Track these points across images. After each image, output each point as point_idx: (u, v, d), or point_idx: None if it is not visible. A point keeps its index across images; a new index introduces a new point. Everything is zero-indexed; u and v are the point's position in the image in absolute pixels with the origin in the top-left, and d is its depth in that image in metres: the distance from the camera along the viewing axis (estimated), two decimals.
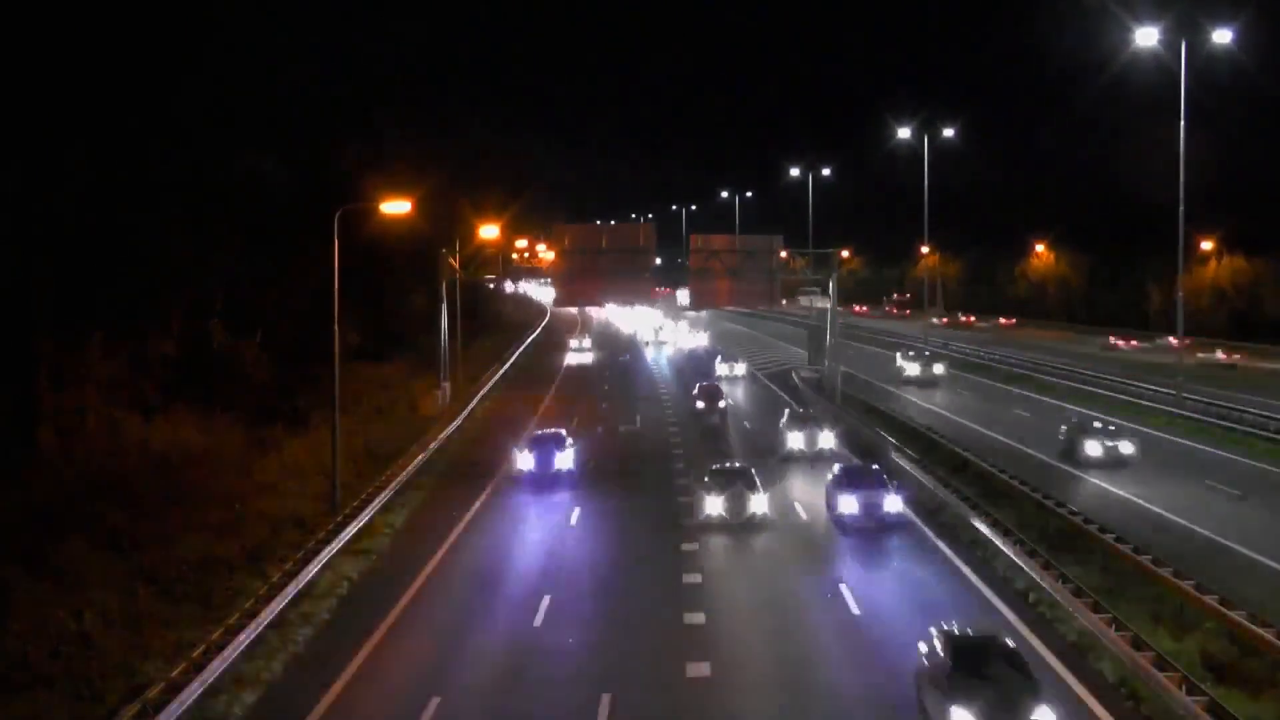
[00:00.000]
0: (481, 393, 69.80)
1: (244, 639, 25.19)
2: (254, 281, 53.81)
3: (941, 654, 21.48)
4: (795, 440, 48.70)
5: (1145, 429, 54.64)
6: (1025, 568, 29.68)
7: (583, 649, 25.80)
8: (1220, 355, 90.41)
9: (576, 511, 39.54)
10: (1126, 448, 46.77)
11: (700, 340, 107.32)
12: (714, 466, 39.20)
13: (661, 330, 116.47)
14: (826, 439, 48.85)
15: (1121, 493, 41.26)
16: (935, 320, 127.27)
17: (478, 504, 41.00)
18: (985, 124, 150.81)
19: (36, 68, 40.52)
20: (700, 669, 24.33)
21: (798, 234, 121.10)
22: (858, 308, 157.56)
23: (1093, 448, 46.76)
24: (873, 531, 35.43)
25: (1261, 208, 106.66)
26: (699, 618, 27.68)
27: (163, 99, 46.41)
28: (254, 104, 56.69)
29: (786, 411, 53.15)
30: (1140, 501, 39.77)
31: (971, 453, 46.37)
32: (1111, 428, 49.03)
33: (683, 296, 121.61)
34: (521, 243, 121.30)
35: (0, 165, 39.35)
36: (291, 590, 28.70)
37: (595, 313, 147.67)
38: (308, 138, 66.19)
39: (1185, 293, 69.42)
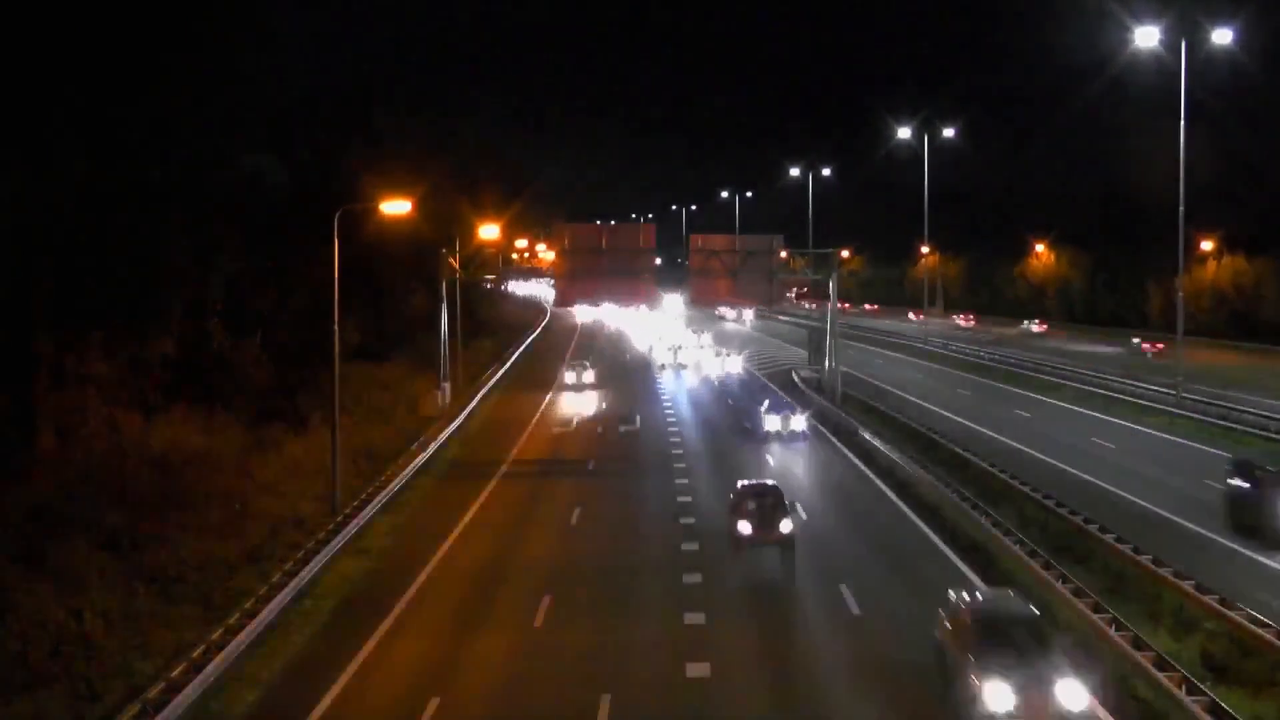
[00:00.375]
0: (482, 393, 69.81)
1: (244, 639, 25.20)
2: (254, 281, 53.74)
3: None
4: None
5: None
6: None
7: (583, 649, 25.80)
8: (1034, 327, 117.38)
9: (577, 511, 39.54)
10: None
11: (732, 365, 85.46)
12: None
13: (681, 350, 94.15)
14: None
15: None
16: (960, 320, 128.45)
17: (477, 504, 40.99)
18: (985, 124, 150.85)
19: (36, 68, 40.48)
20: (700, 669, 24.32)
21: (798, 234, 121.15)
22: (869, 306, 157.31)
23: None
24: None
25: (1261, 208, 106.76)
26: (699, 618, 27.67)
27: (163, 99, 46.33)
28: (254, 104, 56.64)
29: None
30: None
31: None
32: None
33: (673, 300, 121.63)
34: (521, 243, 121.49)
35: (1, 166, 39.29)
36: (291, 590, 28.72)
37: (591, 315, 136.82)
38: (308, 138, 66.19)
39: (1185, 293, 69.40)
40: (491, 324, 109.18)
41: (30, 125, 40.34)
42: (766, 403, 57.89)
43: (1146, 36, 60.55)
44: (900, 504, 40.08)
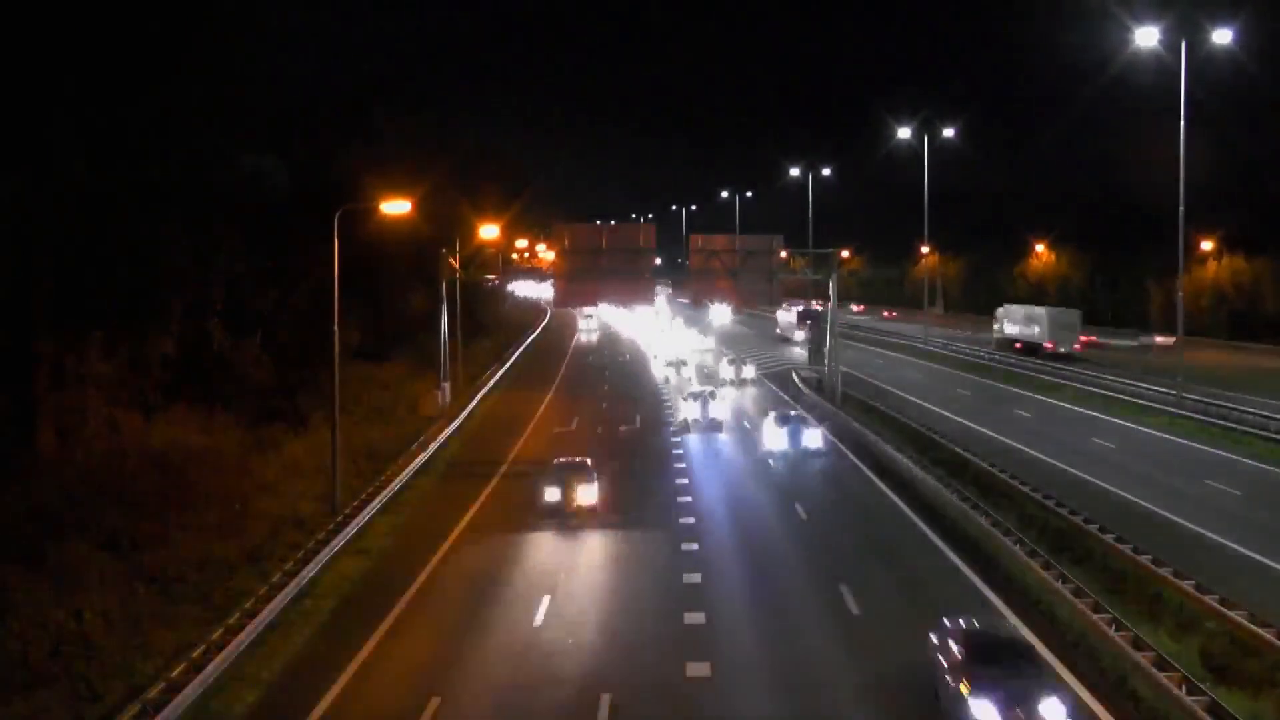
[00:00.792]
0: (482, 393, 69.82)
1: (244, 639, 25.21)
2: (254, 281, 53.74)
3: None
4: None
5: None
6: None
7: (583, 649, 25.80)
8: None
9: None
10: None
11: (745, 370, 79.46)
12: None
13: (684, 366, 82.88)
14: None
15: None
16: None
17: (477, 504, 40.98)
18: (985, 124, 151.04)
19: (37, 68, 40.49)
20: (700, 669, 24.33)
21: (798, 234, 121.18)
22: (887, 313, 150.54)
23: None
24: None
25: (1261, 208, 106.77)
26: (699, 617, 27.67)
27: (163, 99, 46.34)
28: (254, 104, 56.64)
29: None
30: None
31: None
32: None
33: (662, 301, 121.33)
34: (521, 243, 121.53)
35: (1, 166, 39.30)
36: (292, 590, 28.73)
37: (591, 330, 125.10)
38: (308, 138, 66.19)
39: (1185, 293, 69.44)
40: (491, 324, 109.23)
41: (31, 125, 40.35)
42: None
43: (1146, 36, 60.60)
44: (901, 504, 40.06)
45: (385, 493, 40.31)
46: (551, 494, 37.54)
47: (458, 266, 69.47)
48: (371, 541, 35.44)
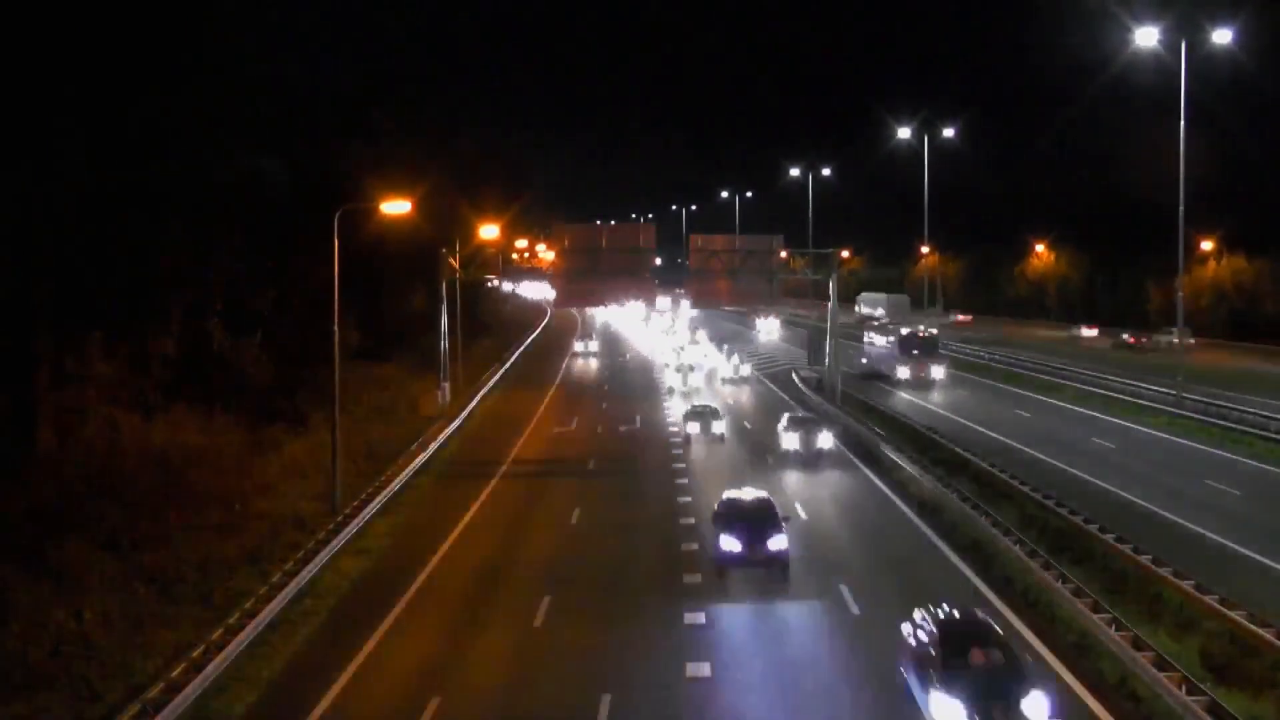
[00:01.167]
0: (482, 393, 69.82)
1: (244, 639, 25.21)
2: (254, 281, 53.76)
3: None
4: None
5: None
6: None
7: (583, 649, 25.79)
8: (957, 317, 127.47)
9: (577, 511, 39.53)
10: None
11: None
12: None
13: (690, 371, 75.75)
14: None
15: None
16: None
17: (477, 504, 40.99)
18: (985, 123, 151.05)
19: (37, 68, 40.49)
20: (700, 669, 24.32)
21: (798, 234, 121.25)
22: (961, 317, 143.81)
23: None
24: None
25: (1261, 208, 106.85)
26: (699, 618, 27.67)
27: (163, 99, 46.35)
28: (254, 104, 56.64)
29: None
30: None
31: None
32: None
33: (662, 302, 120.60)
34: (521, 243, 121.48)
35: (1, 165, 39.30)
36: (292, 590, 28.72)
37: (589, 350, 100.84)
38: (308, 138, 66.18)
39: (1185, 293, 69.46)
40: (492, 324, 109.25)
41: (31, 125, 40.35)
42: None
43: (1146, 36, 60.63)
44: (901, 505, 40.06)
45: (385, 493, 40.32)
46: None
47: (458, 266, 69.47)
48: (372, 541, 35.43)
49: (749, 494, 32.79)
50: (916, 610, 23.06)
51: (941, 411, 63.00)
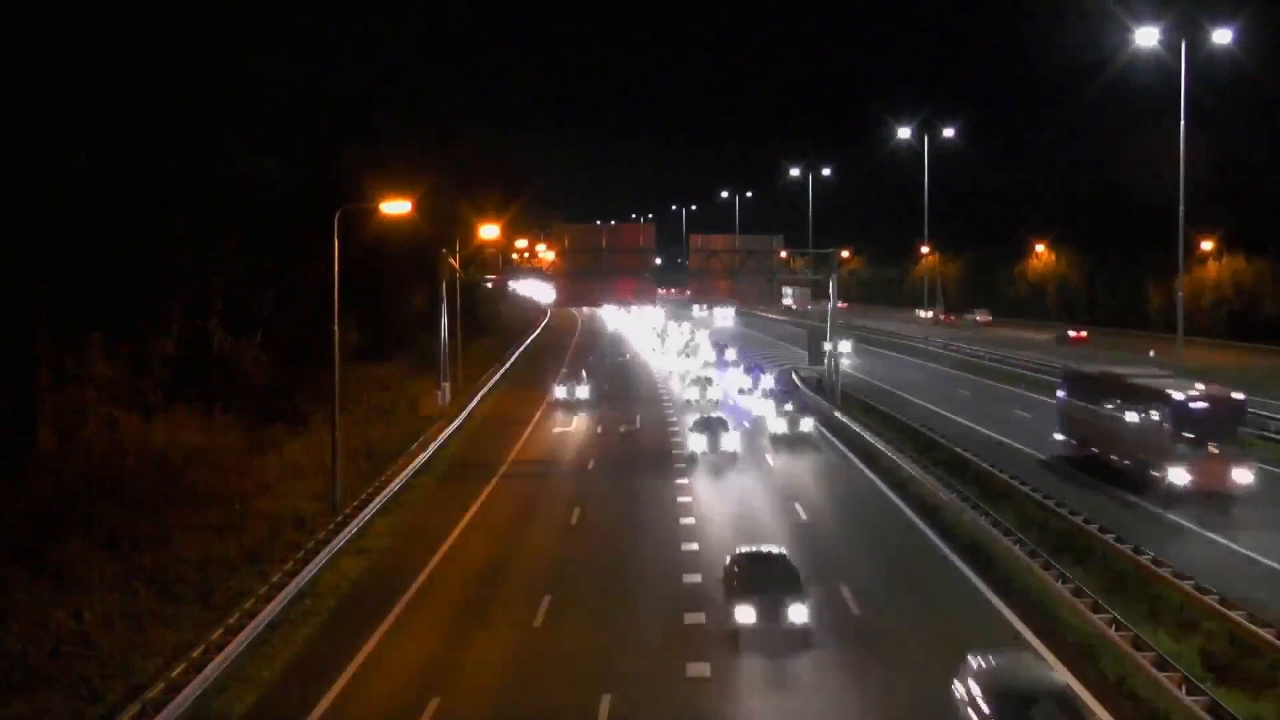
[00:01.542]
0: (482, 393, 69.81)
1: (244, 639, 25.21)
2: (254, 281, 53.81)
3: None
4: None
5: None
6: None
7: (583, 649, 25.79)
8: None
9: (576, 511, 39.53)
10: None
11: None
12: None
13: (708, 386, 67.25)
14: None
15: None
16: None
17: (477, 504, 40.99)
18: (985, 124, 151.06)
19: (37, 68, 40.52)
20: (700, 669, 24.32)
21: (798, 234, 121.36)
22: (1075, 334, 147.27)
23: None
24: None
25: (1261, 208, 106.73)
26: (699, 618, 27.67)
27: (163, 99, 46.40)
28: (254, 104, 56.70)
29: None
30: None
31: None
32: None
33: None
34: (521, 243, 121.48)
35: (1, 165, 39.33)
36: (292, 590, 28.72)
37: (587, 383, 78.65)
38: (308, 138, 66.22)
39: (1185, 293, 69.45)
40: (491, 324, 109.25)
41: (31, 126, 40.40)
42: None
43: (1146, 36, 60.66)
44: (900, 503, 40.06)
45: (385, 493, 40.31)
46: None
47: (458, 266, 69.48)
48: (371, 541, 35.43)
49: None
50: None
51: (949, 414, 63.02)
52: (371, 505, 38.32)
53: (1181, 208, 60.99)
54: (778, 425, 53.23)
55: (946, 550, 33.67)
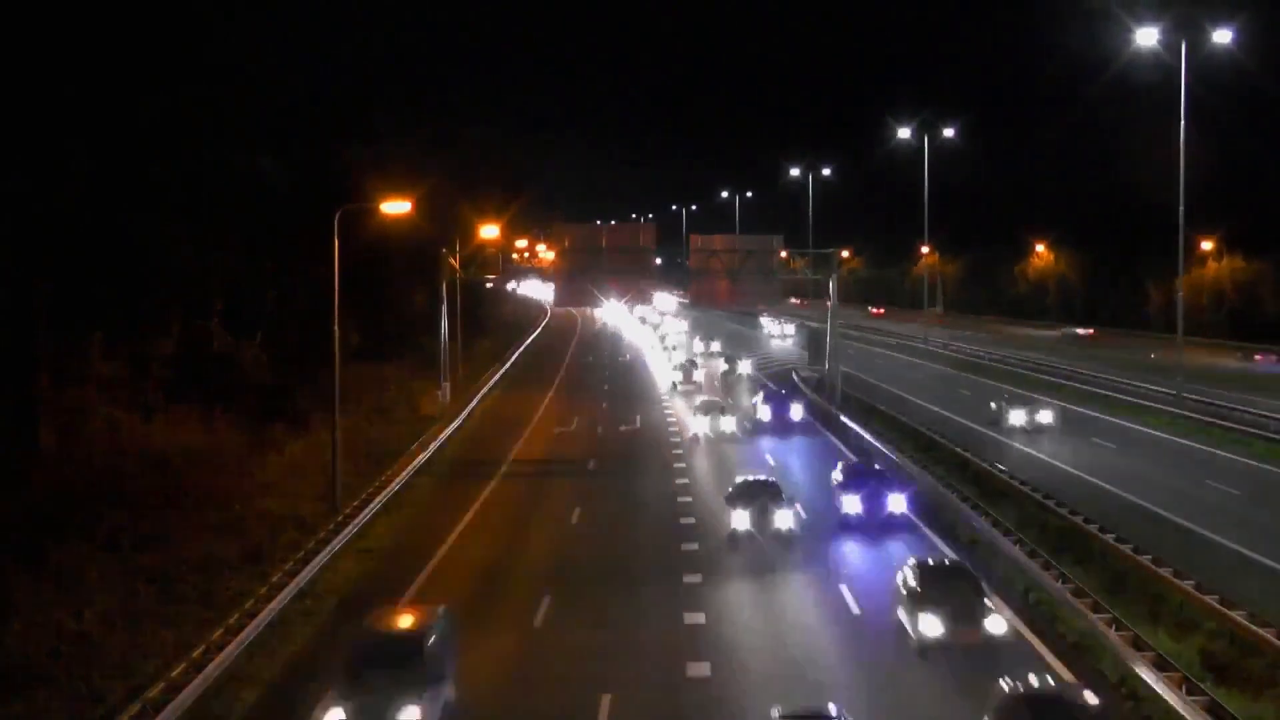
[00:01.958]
0: (482, 393, 69.81)
1: (244, 639, 25.20)
2: (254, 281, 53.83)
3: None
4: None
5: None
6: None
7: (583, 649, 25.80)
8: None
9: (577, 511, 39.55)
10: None
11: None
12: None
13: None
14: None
15: None
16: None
17: (478, 504, 41.00)
18: (985, 123, 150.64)
19: (38, 68, 40.54)
20: (700, 669, 24.33)
21: (798, 234, 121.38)
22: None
23: None
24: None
25: (1261, 208, 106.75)
26: (699, 618, 27.68)
27: (163, 99, 46.43)
28: (254, 104, 56.72)
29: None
30: None
31: None
32: None
33: (660, 301, 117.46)
34: (521, 243, 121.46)
35: (1, 165, 39.36)
36: (292, 590, 28.72)
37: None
38: (308, 138, 66.22)
39: (1185, 293, 69.44)
40: (492, 324, 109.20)
41: (32, 126, 40.42)
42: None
43: (1146, 36, 60.61)
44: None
45: (385, 492, 40.31)
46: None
47: (458, 266, 69.48)
48: (372, 541, 35.44)
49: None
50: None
51: (950, 414, 63.00)
52: (372, 505, 38.32)
53: (1181, 208, 60.96)
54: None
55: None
